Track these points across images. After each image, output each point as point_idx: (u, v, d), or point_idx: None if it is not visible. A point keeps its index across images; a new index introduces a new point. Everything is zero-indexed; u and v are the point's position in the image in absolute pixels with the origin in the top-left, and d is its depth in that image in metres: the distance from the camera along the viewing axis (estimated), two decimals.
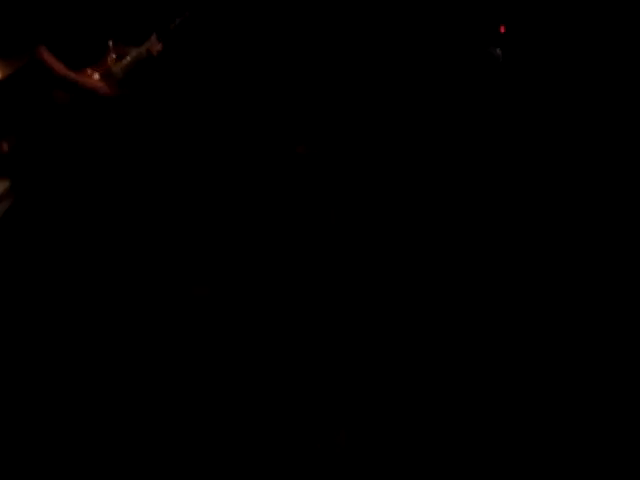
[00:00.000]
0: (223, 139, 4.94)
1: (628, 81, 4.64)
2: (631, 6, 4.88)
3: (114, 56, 4.54)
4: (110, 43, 4.54)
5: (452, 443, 4.02)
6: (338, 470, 3.95)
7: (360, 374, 4.28)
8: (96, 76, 4.51)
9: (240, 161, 4.78)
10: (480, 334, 4.43)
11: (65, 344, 3.87)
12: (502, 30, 4.77)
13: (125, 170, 4.60)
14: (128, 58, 4.52)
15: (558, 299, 4.50)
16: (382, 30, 4.85)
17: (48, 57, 4.38)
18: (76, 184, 4.48)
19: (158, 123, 4.86)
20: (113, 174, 4.52)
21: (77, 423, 3.63)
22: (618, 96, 4.56)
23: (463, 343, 4.42)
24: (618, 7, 4.93)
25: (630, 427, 4.03)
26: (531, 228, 4.37)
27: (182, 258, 4.39)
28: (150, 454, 3.57)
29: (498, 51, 4.46)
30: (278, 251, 4.50)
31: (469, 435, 4.07)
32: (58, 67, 4.44)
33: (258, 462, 3.72)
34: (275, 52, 5.17)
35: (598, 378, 4.29)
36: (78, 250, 4.28)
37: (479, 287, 4.48)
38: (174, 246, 4.46)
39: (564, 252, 4.41)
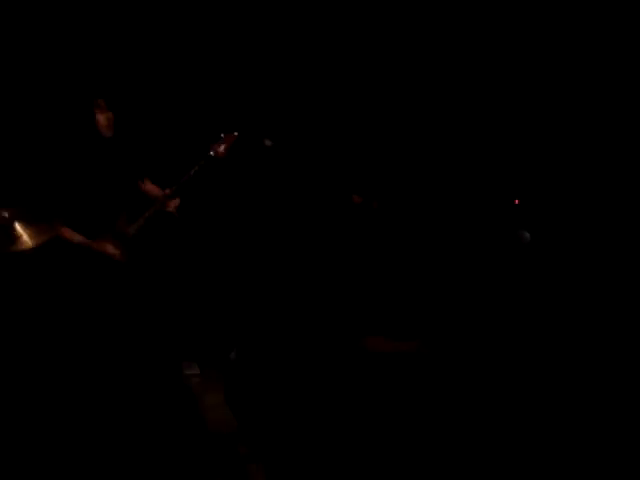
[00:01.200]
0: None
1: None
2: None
3: (126, 220, 4.66)
4: (124, 211, 4.67)
5: None
6: None
7: None
8: (110, 242, 4.63)
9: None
10: None
11: None
12: (516, 202, 4.83)
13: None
14: (141, 221, 4.65)
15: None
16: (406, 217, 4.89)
17: (69, 234, 4.51)
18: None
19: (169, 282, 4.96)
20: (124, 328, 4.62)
21: None
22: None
23: None
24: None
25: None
26: None
27: None
28: None
29: (526, 234, 4.46)
30: None
31: None
32: (78, 239, 4.55)
33: None
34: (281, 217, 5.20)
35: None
36: None
37: None
38: None
39: None
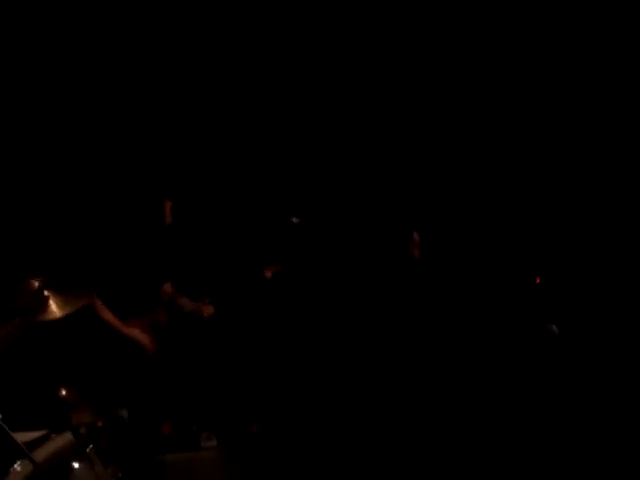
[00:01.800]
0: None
1: None
2: None
3: (165, 310, 4.72)
4: (166, 296, 4.73)
5: None
6: None
7: None
8: (141, 329, 4.68)
9: None
10: None
11: None
12: (537, 281, 4.86)
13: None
14: (178, 314, 4.71)
15: None
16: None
17: (100, 307, 4.54)
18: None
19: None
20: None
21: None
22: None
23: None
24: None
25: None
26: None
27: None
28: None
29: (554, 328, 4.49)
30: None
31: None
32: (108, 316, 4.58)
33: None
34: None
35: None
36: None
37: None
38: None
39: None
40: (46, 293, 3.98)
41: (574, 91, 5.37)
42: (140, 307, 4.71)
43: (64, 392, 4.16)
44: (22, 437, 3.63)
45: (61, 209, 5.08)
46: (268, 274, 4.80)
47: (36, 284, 4.01)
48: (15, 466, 3.66)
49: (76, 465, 3.73)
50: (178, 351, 4.71)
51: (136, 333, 4.61)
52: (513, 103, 5.48)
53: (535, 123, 5.43)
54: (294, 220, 4.90)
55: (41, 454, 3.66)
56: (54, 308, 3.96)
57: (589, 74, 5.33)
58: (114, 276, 4.62)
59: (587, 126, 5.29)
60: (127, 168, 5.27)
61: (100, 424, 4.02)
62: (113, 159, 5.32)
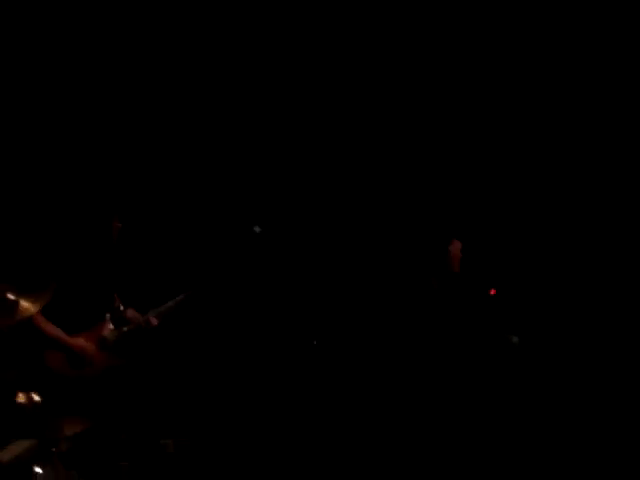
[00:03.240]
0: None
1: None
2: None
3: (110, 325, 4.74)
4: (108, 316, 4.75)
5: None
6: None
7: None
8: (87, 341, 4.66)
9: None
10: None
11: None
12: (493, 293, 4.96)
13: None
14: (124, 328, 4.74)
15: None
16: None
17: (42, 321, 4.50)
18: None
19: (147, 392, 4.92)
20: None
21: None
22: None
23: None
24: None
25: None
26: None
27: None
28: None
29: (515, 338, 4.59)
30: None
31: None
32: (50, 329, 4.56)
33: None
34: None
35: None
36: None
37: None
38: None
39: None
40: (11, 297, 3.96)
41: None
42: (83, 322, 4.70)
43: (25, 398, 4.14)
44: None
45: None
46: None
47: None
48: None
49: (39, 469, 3.72)
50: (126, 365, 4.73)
51: (80, 343, 4.62)
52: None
53: (533, 126, 5.51)
54: (256, 229, 4.93)
55: (4, 456, 3.64)
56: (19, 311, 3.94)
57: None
58: (58, 290, 4.59)
59: (585, 128, 5.38)
60: (79, 181, 5.27)
61: (61, 429, 4.01)
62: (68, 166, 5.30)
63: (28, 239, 4.98)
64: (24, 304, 3.84)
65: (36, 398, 4.09)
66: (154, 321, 4.79)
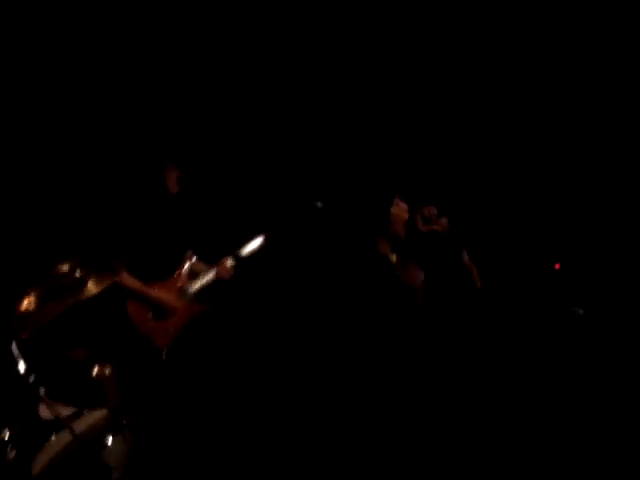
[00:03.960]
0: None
1: None
2: None
3: (187, 273, 4.82)
4: (187, 260, 4.83)
5: None
6: None
7: None
8: (169, 293, 4.77)
9: None
10: None
11: None
12: (557, 267, 4.91)
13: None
14: (202, 280, 4.80)
15: None
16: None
17: (128, 280, 4.61)
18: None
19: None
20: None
21: None
22: None
23: None
24: None
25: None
26: None
27: None
28: None
29: (580, 311, 4.54)
30: None
31: None
32: (133, 283, 4.66)
33: None
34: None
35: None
36: None
37: None
38: None
39: None
40: (79, 274, 4.05)
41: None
42: (161, 272, 4.77)
43: (98, 370, 4.25)
44: (59, 412, 3.73)
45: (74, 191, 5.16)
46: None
47: (67, 267, 4.10)
48: (52, 439, 3.76)
49: (111, 439, 3.82)
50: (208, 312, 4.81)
51: (162, 294, 4.70)
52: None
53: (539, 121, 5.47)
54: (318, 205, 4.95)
55: (79, 427, 3.75)
56: (89, 287, 4.04)
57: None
58: (134, 244, 4.69)
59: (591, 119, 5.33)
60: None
61: (130, 402, 4.12)
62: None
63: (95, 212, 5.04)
64: (90, 284, 3.93)
65: (109, 370, 4.20)
66: (227, 270, 4.82)
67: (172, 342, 4.67)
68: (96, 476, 3.72)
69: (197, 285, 4.78)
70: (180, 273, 4.79)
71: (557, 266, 4.83)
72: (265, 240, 4.84)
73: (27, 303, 3.90)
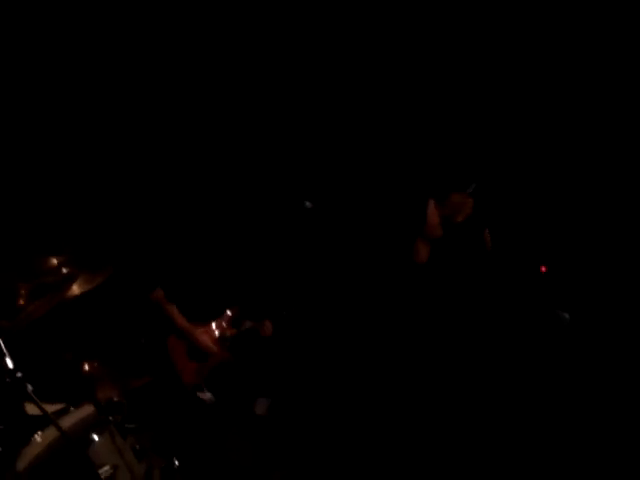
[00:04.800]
0: None
1: None
2: None
3: (228, 321, 4.83)
4: (230, 310, 4.83)
5: None
6: None
7: None
8: (210, 336, 4.79)
9: None
10: None
11: None
12: (543, 270, 4.92)
13: None
14: (243, 332, 4.81)
15: None
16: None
17: (170, 308, 4.64)
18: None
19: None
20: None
21: None
22: None
23: None
24: None
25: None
26: None
27: None
28: None
29: (566, 315, 4.57)
30: None
31: None
32: (180, 320, 4.69)
33: None
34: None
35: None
36: None
37: None
38: None
39: None
40: (66, 270, 4.04)
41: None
42: (204, 314, 4.82)
43: (87, 366, 4.26)
44: (45, 408, 3.72)
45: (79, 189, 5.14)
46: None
47: (55, 262, 4.09)
48: (36, 436, 3.76)
49: (97, 437, 3.83)
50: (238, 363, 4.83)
51: (205, 338, 4.76)
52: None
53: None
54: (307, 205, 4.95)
55: (65, 423, 3.76)
56: (75, 285, 4.03)
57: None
58: (185, 281, 4.76)
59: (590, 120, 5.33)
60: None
61: (117, 398, 4.12)
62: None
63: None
64: (78, 283, 3.92)
65: (98, 367, 4.21)
66: (269, 329, 4.84)
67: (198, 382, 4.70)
68: (82, 473, 3.72)
69: (236, 336, 4.78)
70: (222, 320, 4.79)
71: (543, 269, 4.85)
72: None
73: (15, 299, 3.91)
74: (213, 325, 4.83)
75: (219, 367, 4.84)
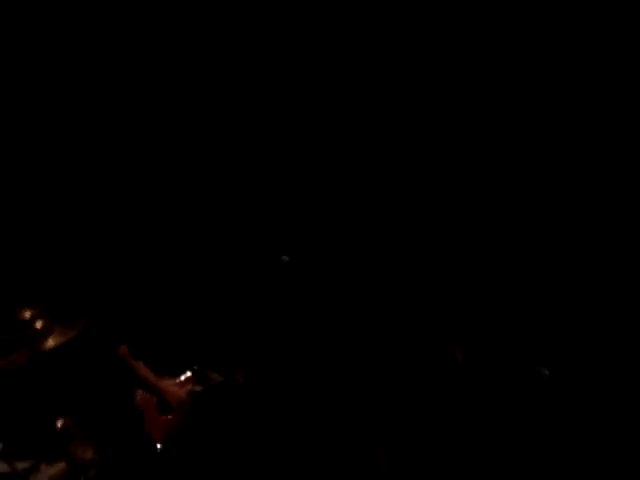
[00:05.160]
0: None
1: None
2: None
3: (197, 376, 4.79)
4: (195, 367, 4.79)
5: None
6: None
7: None
8: (179, 390, 4.74)
9: None
10: None
11: None
12: None
13: None
14: (212, 386, 4.76)
15: None
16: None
17: (133, 362, 4.56)
18: None
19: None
20: None
21: None
22: None
23: None
24: None
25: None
26: None
27: None
28: None
29: (545, 371, 4.58)
30: None
31: None
32: (144, 372, 4.60)
33: None
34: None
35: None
36: None
37: None
38: None
39: None
40: (39, 324, 4.00)
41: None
42: (169, 366, 4.75)
43: (60, 422, 4.17)
44: (15, 465, 3.65)
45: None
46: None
47: (28, 315, 4.04)
48: None
49: None
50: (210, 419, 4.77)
51: (174, 390, 4.60)
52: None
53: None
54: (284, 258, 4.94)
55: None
56: (48, 339, 3.99)
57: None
58: (150, 334, 4.68)
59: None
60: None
61: (90, 455, 4.04)
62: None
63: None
64: (53, 336, 3.89)
65: (71, 423, 4.14)
66: (239, 380, 4.79)
67: (167, 438, 4.61)
68: None
69: (205, 390, 4.73)
70: (191, 374, 4.74)
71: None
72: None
73: None
74: (182, 378, 4.76)
75: (189, 422, 4.76)
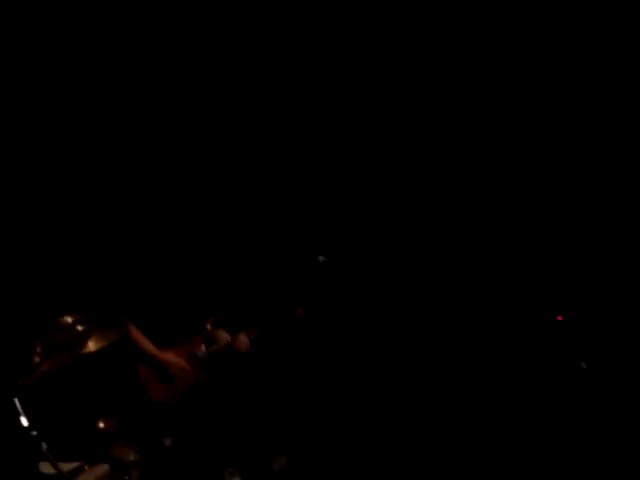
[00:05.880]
0: None
1: None
2: None
3: (203, 339, 4.81)
4: (206, 326, 4.83)
5: None
6: None
7: None
8: (178, 356, 4.78)
9: None
10: None
11: None
12: (559, 319, 4.91)
13: None
14: (216, 349, 4.80)
15: None
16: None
17: (137, 335, 4.60)
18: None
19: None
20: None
21: None
22: None
23: None
24: None
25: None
26: None
27: None
28: None
29: (583, 365, 4.56)
30: None
31: None
32: (147, 346, 4.64)
33: None
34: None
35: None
36: None
37: None
38: None
39: None
40: (80, 328, 4.06)
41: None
42: (176, 337, 4.76)
43: (102, 424, 4.23)
44: (60, 467, 3.70)
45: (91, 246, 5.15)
46: (300, 311, 4.85)
47: (70, 320, 4.10)
48: None
49: None
50: (214, 382, 4.78)
51: (173, 358, 4.66)
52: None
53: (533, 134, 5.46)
54: (320, 259, 4.93)
55: None
56: (90, 342, 4.04)
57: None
58: (151, 305, 4.70)
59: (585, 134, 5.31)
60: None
61: (132, 457, 4.09)
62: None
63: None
64: (93, 339, 3.93)
65: (114, 425, 4.19)
66: (245, 343, 4.78)
67: (172, 406, 4.64)
68: None
69: (209, 353, 4.74)
70: (197, 338, 4.75)
71: (560, 318, 4.84)
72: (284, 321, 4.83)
73: (31, 356, 3.91)
74: (185, 344, 4.77)
75: (197, 388, 4.76)
